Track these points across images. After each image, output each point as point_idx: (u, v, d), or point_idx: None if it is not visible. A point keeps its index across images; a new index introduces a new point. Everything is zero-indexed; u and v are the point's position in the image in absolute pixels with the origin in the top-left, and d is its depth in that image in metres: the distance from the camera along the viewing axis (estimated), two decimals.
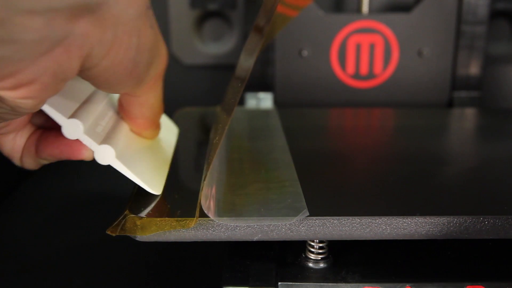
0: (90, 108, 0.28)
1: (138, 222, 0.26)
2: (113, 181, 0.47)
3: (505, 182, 0.31)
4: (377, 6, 0.57)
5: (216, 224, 0.26)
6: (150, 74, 0.26)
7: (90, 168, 0.51)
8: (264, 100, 0.52)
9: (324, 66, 0.52)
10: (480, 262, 0.29)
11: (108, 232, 0.26)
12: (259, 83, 0.52)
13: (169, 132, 0.37)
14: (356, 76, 0.52)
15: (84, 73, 0.23)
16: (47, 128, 0.29)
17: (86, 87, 0.29)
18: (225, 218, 0.26)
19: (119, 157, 0.27)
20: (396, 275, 0.28)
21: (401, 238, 0.27)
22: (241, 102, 0.51)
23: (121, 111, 0.30)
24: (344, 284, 0.27)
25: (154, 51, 0.25)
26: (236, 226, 0.26)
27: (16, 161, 0.29)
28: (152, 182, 0.29)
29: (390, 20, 0.50)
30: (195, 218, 0.26)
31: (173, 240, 0.26)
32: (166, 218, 0.26)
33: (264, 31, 0.29)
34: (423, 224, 0.26)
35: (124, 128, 0.30)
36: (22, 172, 0.48)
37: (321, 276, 0.28)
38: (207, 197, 0.27)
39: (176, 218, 0.26)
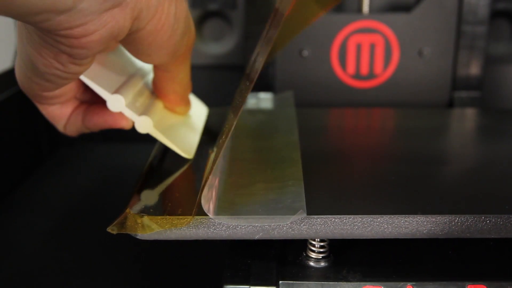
0: (130, 86, 0.33)
1: (139, 220, 0.26)
2: (113, 179, 0.47)
3: (506, 181, 0.31)
4: (377, 6, 0.57)
5: (217, 222, 0.26)
6: (183, 45, 0.30)
7: (90, 168, 0.51)
8: (264, 100, 0.51)
9: (324, 66, 0.52)
10: (481, 261, 0.29)
11: (109, 230, 0.26)
12: (259, 83, 0.52)
13: (199, 110, 0.42)
14: (357, 76, 0.52)
15: (131, 36, 0.26)
16: (93, 103, 0.33)
17: (126, 70, 0.35)
18: (222, 217, 0.26)
19: (156, 126, 0.32)
20: (397, 274, 0.28)
21: (403, 237, 0.26)
22: None
23: (155, 89, 0.35)
24: (345, 283, 0.27)
25: (187, 22, 0.29)
26: (237, 224, 0.26)
27: (61, 127, 0.33)
28: (185, 148, 0.34)
29: (390, 20, 0.50)
30: (191, 216, 0.26)
31: (174, 239, 0.26)
32: (167, 216, 0.26)
33: (271, 37, 0.29)
34: (425, 223, 0.26)
35: (159, 105, 0.35)
36: (22, 172, 0.48)
37: (322, 275, 0.28)
38: (208, 196, 0.27)
39: (177, 216, 0.26)
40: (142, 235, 0.26)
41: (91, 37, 0.24)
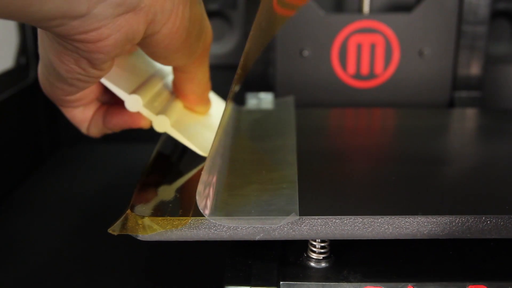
0: (149, 87, 0.34)
1: (139, 221, 0.26)
2: (115, 180, 0.47)
3: (507, 181, 0.31)
4: (378, 6, 0.57)
5: (217, 223, 0.26)
6: (199, 47, 0.30)
7: (91, 168, 0.51)
8: (264, 100, 0.51)
9: (325, 66, 0.52)
10: (482, 261, 0.29)
11: (110, 231, 0.26)
12: (259, 83, 0.52)
13: (220, 108, 0.42)
14: (357, 76, 0.52)
15: (147, 39, 0.27)
16: (113, 103, 0.34)
17: (145, 71, 0.35)
18: (216, 217, 0.26)
19: (173, 126, 0.33)
20: (398, 274, 0.28)
21: (403, 238, 0.26)
22: (242, 102, 0.51)
23: (175, 90, 0.36)
24: (345, 283, 0.27)
25: (203, 24, 0.30)
26: (238, 225, 0.26)
27: (84, 129, 0.34)
28: (202, 146, 0.34)
29: (391, 20, 0.50)
30: (192, 217, 0.26)
31: (175, 240, 0.26)
32: (168, 217, 0.26)
33: (252, 28, 0.30)
34: (425, 224, 0.26)
35: (179, 105, 0.36)
36: (22, 172, 0.48)
37: (322, 275, 0.28)
38: (204, 194, 0.27)
39: (177, 217, 0.26)
40: (143, 236, 0.26)
41: (106, 41, 0.24)
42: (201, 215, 0.26)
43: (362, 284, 0.27)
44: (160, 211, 0.27)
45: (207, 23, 0.31)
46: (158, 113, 0.33)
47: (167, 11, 0.26)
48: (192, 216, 0.26)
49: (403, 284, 0.27)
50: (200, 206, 0.26)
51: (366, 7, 0.52)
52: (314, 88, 0.52)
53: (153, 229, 0.26)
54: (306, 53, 0.51)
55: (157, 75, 0.36)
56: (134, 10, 0.24)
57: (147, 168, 0.33)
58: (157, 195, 0.28)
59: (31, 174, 0.49)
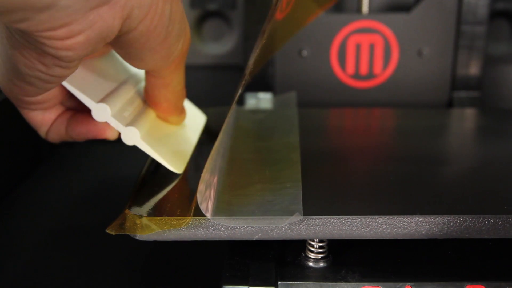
0: (119, 95, 0.31)
1: (137, 221, 0.26)
2: (113, 180, 0.47)
3: (505, 181, 0.31)
4: (377, 6, 0.57)
5: (215, 223, 0.26)
6: (177, 49, 0.28)
7: (90, 168, 0.51)
8: (264, 100, 0.51)
9: (324, 66, 0.52)
10: (480, 261, 0.29)
11: (108, 231, 0.26)
12: (259, 83, 0.52)
13: (196, 119, 0.39)
14: (356, 76, 0.52)
15: (122, 38, 0.25)
16: (80, 110, 0.31)
17: (116, 77, 0.33)
18: (219, 217, 0.26)
19: (144, 138, 0.30)
20: (396, 274, 0.28)
21: (401, 238, 0.26)
22: (241, 102, 0.51)
23: (147, 98, 0.33)
24: (344, 283, 0.27)
25: (183, 24, 0.27)
26: (236, 225, 0.26)
27: (42, 133, 0.32)
28: (175, 162, 0.31)
29: (390, 20, 0.50)
30: (189, 217, 0.26)
31: (173, 239, 0.26)
32: (166, 217, 0.26)
33: (265, 34, 0.29)
34: (423, 224, 0.26)
35: (151, 115, 0.33)
36: (22, 172, 0.48)
37: (321, 275, 0.28)
38: (206, 195, 0.27)
39: (175, 217, 0.26)
40: (141, 235, 0.26)
41: (77, 39, 0.22)
42: (199, 215, 0.26)
43: (360, 284, 0.27)
44: (158, 211, 0.27)
45: (186, 25, 0.29)
46: (128, 124, 0.30)
47: (145, 6, 0.24)
48: (190, 216, 0.26)
49: (401, 284, 0.27)
50: (202, 206, 0.26)
51: (365, 7, 0.52)
52: (313, 88, 0.52)
53: (151, 229, 0.26)
54: (305, 53, 0.51)
55: (130, 81, 0.34)
56: (109, 3, 0.22)
57: (145, 168, 0.33)
58: (155, 195, 0.28)
59: (30, 174, 0.49)
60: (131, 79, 0.34)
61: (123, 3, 0.22)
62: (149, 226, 0.26)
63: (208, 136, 0.38)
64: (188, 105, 0.39)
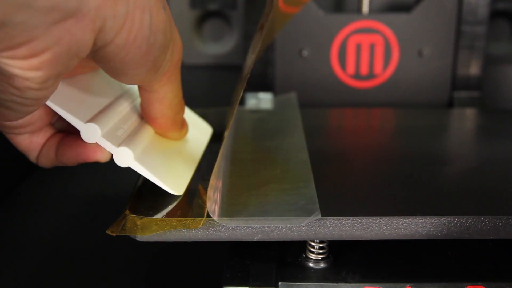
0: (112, 112, 0.28)
1: (138, 222, 0.26)
2: (113, 181, 0.47)
3: (505, 182, 0.31)
4: (377, 6, 0.57)
5: (216, 224, 0.26)
6: (166, 61, 0.26)
7: (90, 168, 0.51)
8: (264, 100, 0.51)
9: (324, 66, 0.52)
10: (480, 262, 0.29)
11: (109, 232, 0.26)
12: (259, 83, 0.52)
13: (200, 132, 0.37)
14: (356, 76, 0.52)
15: (98, 52, 0.22)
16: (71, 133, 0.29)
17: (109, 93, 0.30)
18: (235, 219, 0.26)
19: (138, 159, 0.27)
20: (397, 275, 0.28)
21: (402, 238, 0.26)
22: (241, 102, 0.51)
23: (143, 114, 0.30)
24: (344, 284, 0.27)
25: (168, 34, 0.25)
26: (237, 226, 0.26)
27: (32, 158, 0.29)
28: (173, 183, 0.29)
29: (390, 20, 0.50)
30: (187, 218, 0.26)
31: (174, 240, 0.26)
32: (167, 218, 0.26)
33: (264, 29, 0.29)
34: (424, 224, 0.26)
35: (149, 132, 0.30)
36: (22, 172, 0.48)
37: (321, 276, 0.28)
38: (214, 198, 0.27)
39: (176, 218, 0.26)
40: (141, 236, 0.26)
41: (43, 57, 0.20)
42: (200, 216, 0.26)
43: (361, 284, 0.27)
44: (159, 211, 0.27)
45: (175, 35, 0.26)
46: (121, 143, 0.27)
47: (119, 17, 0.21)
48: (191, 217, 0.26)
49: (401, 284, 0.27)
50: (210, 209, 0.26)
51: (365, 7, 0.52)
52: (313, 88, 0.52)
53: (151, 229, 0.26)
54: (305, 53, 0.51)
55: (126, 97, 0.31)
56: (75, 16, 0.20)
57: None
58: (155, 196, 0.28)
59: (30, 174, 0.49)
60: (127, 94, 0.31)
61: (93, 15, 0.20)
62: (149, 227, 0.26)
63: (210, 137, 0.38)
64: (191, 117, 0.37)
